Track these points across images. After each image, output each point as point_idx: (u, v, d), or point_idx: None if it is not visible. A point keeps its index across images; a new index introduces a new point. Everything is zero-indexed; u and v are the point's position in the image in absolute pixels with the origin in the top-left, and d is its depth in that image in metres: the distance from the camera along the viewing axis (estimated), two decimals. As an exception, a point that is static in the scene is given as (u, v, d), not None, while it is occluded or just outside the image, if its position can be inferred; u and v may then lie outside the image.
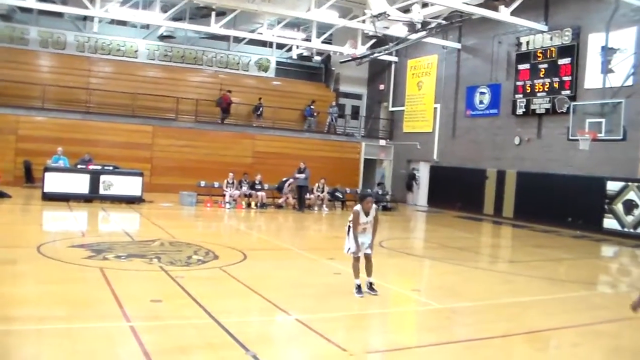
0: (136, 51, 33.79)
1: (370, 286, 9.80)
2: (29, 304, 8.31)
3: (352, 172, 33.02)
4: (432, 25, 25.03)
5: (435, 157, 31.19)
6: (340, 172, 30.78)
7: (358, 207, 9.88)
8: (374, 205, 9.97)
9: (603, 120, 20.71)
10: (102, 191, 22.54)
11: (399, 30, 27.56)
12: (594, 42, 22.97)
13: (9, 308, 7.96)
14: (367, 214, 9.82)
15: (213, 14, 28.33)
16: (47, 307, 8.12)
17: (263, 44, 36.21)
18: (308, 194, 25.97)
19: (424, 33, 25.86)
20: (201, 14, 30.88)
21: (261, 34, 32.62)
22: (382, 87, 36.34)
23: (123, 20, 31.76)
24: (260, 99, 33.67)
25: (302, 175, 25.22)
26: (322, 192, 26.20)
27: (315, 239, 19.30)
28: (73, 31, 32.70)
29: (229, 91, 32.98)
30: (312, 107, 34.16)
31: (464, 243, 18.94)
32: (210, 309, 8.16)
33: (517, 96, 26.17)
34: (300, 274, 11.81)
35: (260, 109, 33.36)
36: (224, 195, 24.78)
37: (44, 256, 11.38)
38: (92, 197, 22.45)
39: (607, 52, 21.41)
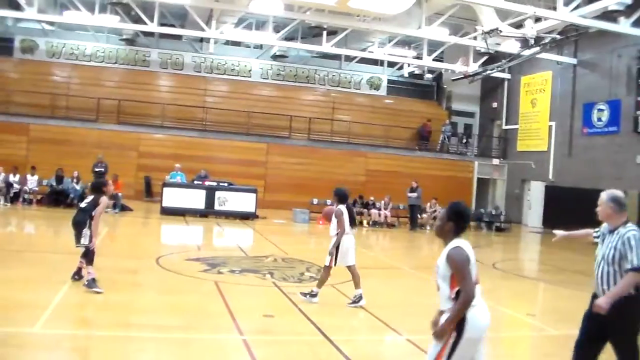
0: (250, 70, 34.59)
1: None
2: (148, 312, 8.66)
3: (464, 191, 32.41)
4: (546, 40, 24.37)
5: (550, 176, 30.22)
6: (452, 192, 30.01)
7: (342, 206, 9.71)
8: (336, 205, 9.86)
9: None
10: (217, 207, 23.13)
11: (511, 46, 26.88)
12: None
13: (129, 315, 8.37)
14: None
15: (324, 33, 28.71)
16: (165, 316, 8.43)
17: (374, 62, 36.32)
18: (420, 213, 25.79)
19: (537, 49, 25.20)
20: (313, 34, 31.33)
21: (372, 52, 32.77)
22: (495, 104, 35.67)
23: (237, 41, 33.04)
24: (429, 120, 34.01)
25: (414, 194, 25.06)
26: (434, 211, 25.95)
27: (427, 258, 19.07)
28: (190, 52, 33.95)
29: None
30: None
31: (581, 266, 18.13)
32: (321, 326, 8.22)
33: (638, 112, 25.05)
34: (411, 293, 11.72)
35: (425, 133, 33.69)
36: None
37: (162, 268, 11.78)
38: (208, 212, 23.09)
39: None
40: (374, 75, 36.77)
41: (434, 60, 31.86)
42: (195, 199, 22.95)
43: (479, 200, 33.61)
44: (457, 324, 4.43)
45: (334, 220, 9.71)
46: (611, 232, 5.50)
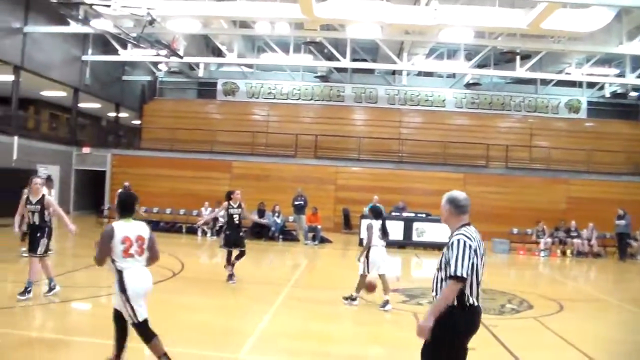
0: (444, 100, 34.41)
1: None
2: (346, 342, 8.80)
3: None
4: None
5: None
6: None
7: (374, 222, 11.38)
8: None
9: None
10: (415, 238, 23.10)
11: None
12: None
13: (328, 345, 8.57)
14: None
15: (518, 57, 27.97)
16: (363, 347, 8.53)
17: (572, 84, 34.69)
18: (631, 242, 24.23)
19: None
20: (506, 59, 30.69)
21: (569, 74, 31.45)
22: None
23: (430, 71, 33.11)
24: None
25: (623, 222, 23.60)
26: (645, 239, 24.30)
27: (638, 291, 17.86)
28: (383, 85, 34.46)
29: None
30: None
31: None
32: (524, 360, 7.92)
33: None
34: (620, 328, 11.00)
35: None
36: (537, 243, 24.04)
37: (361, 299, 11.86)
38: (406, 243, 23.08)
39: None
40: (572, 98, 35.21)
41: (638, 77, 29.94)
42: (393, 230, 22.80)
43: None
44: (120, 286, 6.03)
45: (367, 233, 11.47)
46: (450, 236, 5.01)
